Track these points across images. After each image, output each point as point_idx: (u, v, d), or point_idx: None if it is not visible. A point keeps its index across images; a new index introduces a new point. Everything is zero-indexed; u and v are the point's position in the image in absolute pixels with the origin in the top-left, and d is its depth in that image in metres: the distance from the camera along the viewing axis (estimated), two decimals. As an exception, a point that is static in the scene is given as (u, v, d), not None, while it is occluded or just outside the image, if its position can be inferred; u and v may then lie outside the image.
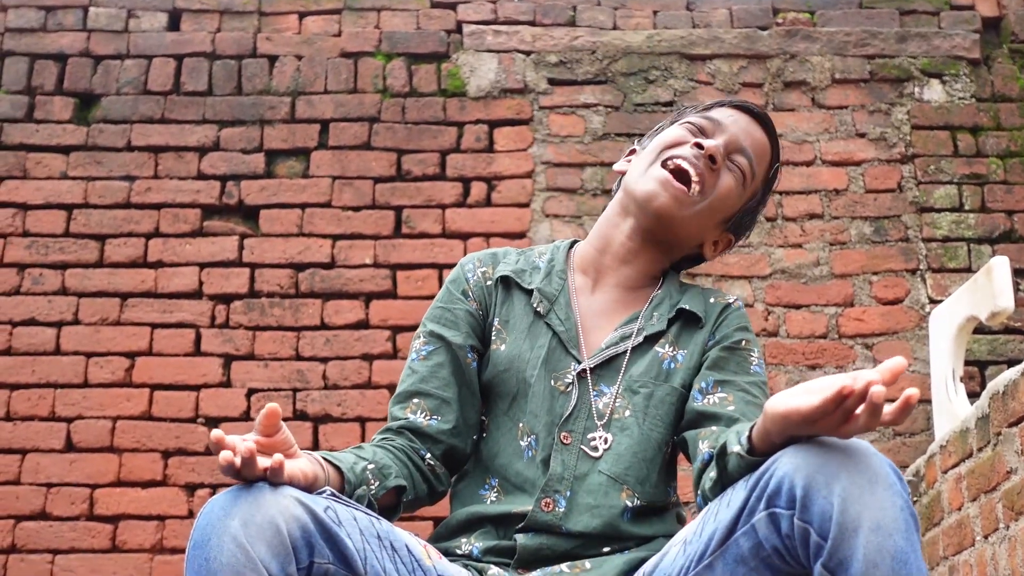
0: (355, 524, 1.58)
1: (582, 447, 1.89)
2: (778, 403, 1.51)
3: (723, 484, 1.65)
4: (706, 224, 2.05)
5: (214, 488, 4.07)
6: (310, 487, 1.58)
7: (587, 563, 1.80)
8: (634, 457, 1.88)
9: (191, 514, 4.02)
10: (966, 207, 4.46)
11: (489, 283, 2.05)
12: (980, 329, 3.96)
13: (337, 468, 1.69)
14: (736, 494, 1.55)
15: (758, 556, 1.51)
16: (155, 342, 4.27)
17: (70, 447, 4.14)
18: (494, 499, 1.91)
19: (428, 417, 1.93)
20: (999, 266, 3.51)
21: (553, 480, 1.86)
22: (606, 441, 1.89)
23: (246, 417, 4.17)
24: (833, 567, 1.39)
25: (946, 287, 4.29)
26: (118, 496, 4.08)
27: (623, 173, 2.11)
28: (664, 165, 2.00)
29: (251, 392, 4.21)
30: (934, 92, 4.62)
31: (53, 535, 4.02)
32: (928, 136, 4.56)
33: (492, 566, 1.81)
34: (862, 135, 4.56)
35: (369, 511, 1.65)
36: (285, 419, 4.10)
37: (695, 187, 1.98)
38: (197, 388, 4.21)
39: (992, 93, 4.64)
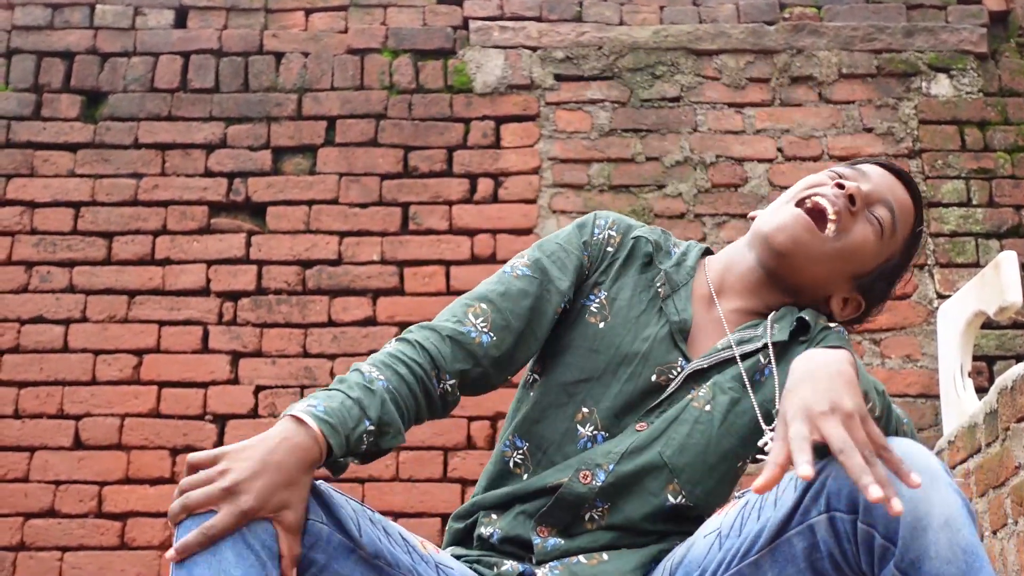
0: (348, 504, 1.61)
1: (655, 428, 1.81)
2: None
3: None
4: (835, 273, 1.93)
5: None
6: None
7: (604, 555, 1.77)
8: (698, 456, 1.80)
9: (199, 511, 4.03)
10: (974, 202, 4.45)
11: (610, 249, 1.94)
12: (988, 324, 3.96)
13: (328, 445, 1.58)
14: (786, 494, 1.53)
15: (809, 559, 1.50)
16: (163, 339, 4.27)
17: (78, 445, 4.15)
18: (519, 462, 1.85)
19: (487, 330, 1.79)
20: (1007, 261, 3.51)
21: (597, 454, 1.79)
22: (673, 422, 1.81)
23: (254, 414, 4.17)
24: (905, 567, 1.39)
25: (954, 282, 4.28)
26: (127, 493, 4.08)
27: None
28: (800, 203, 1.92)
29: (259, 389, 4.21)
30: (941, 87, 4.62)
31: (62, 532, 4.03)
32: (935, 131, 4.55)
33: (507, 561, 1.78)
34: (869, 130, 4.55)
35: (362, 504, 1.67)
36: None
37: (831, 225, 1.89)
38: (205, 385, 4.22)
39: (1000, 87, 4.63)
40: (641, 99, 4.58)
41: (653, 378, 1.83)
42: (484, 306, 1.81)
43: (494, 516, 1.83)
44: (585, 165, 4.49)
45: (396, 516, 3.99)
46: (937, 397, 4.03)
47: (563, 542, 1.78)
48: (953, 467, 3.37)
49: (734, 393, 1.83)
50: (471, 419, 4.10)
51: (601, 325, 1.88)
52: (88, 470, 4.11)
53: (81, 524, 4.05)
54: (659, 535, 1.81)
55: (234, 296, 4.33)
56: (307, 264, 4.37)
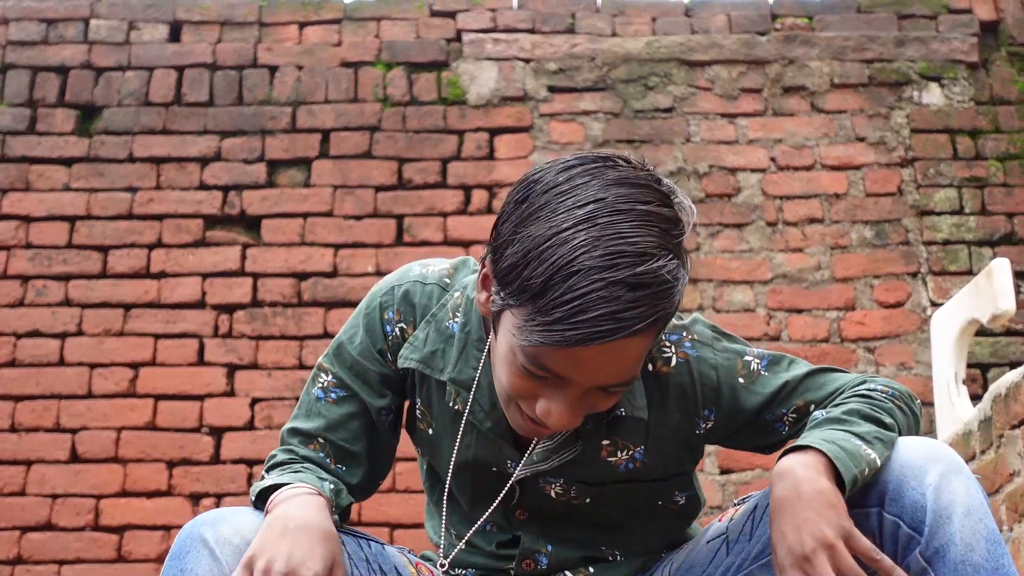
0: (343, 549, 1.57)
1: (542, 518, 1.73)
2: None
3: None
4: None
5: (219, 498, 4.08)
6: None
7: (591, 567, 1.75)
8: (605, 529, 1.75)
9: (196, 524, 4.03)
10: (966, 210, 4.47)
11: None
12: (982, 331, 3.97)
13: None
14: None
15: None
16: (159, 352, 4.27)
17: (75, 458, 4.14)
18: (453, 543, 1.80)
19: (334, 464, 1.72)
20: (1000, 268, 3.52)
21: (528, 543, 1.73)
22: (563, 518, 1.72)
23: (250, 427, 4.17)
24: (930, 555, 1.43)
25: (947, 290, 4.30)
26: (123, 506, 4.08)
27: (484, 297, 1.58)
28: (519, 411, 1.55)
29: (255, 401, 4.21)
30: (933, 96, 4.63)
31: (59, 546, 4.03)
32: (927, 139, 4.56)
33: None
34: (861, 139, 4.57)
35: (355, 535, 1.64)
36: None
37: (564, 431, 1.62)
38: (201, 398, 4.22)
39: (991, 96, 4.64)
40: (634, 110, 4.59)
41: (495, 469, 1.70)
42: (321, 442, 1.72)
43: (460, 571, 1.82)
44: (579, 176, 4.49)
45: (393, 527, 3.99)
46: (931, 405, 4.04)
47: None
48: (948, 474, 3.37)
49: (606, 486, 1.71)
50: (467, 430, 4.10)
51: (430, 432, 1.75)
52: (85, 483, 4.11)
53: (78, 537, 4.05)
54: (639, 551, 1.79)
55: (230, 309, 4.34)
56: (302, 276, 4.37)
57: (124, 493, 4.10)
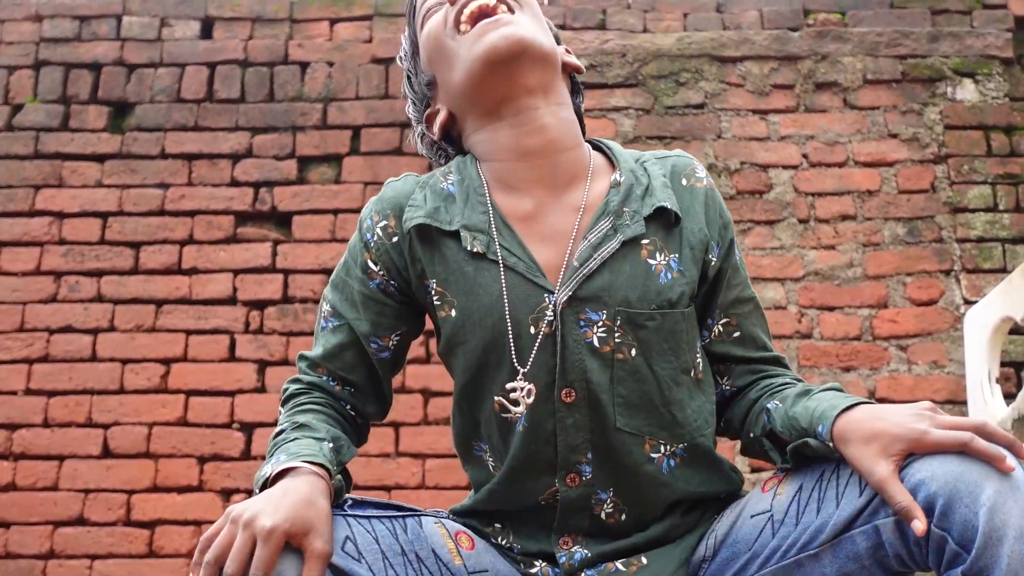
0: (376, 547, 1.57)
1: (589, 395, 1.66)
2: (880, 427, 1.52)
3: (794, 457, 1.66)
4: (544, 32, 1.80)
5: (250, 493, 4.08)
6: None
7: (643, 558, 1.71)
8: (651, 405, 1.69)
9: (227, 519, 4.04)
10: (1000, 207, 4.43)
11: (397, 239, 1.77)
12: (1016, 330, 3.94)
13: (327, 470, 1.62)
14: (850, 493, 1.54)
15: (874, 556, 1.52)
16: (190, 348, 4.29)
17: (107, 453, 4.17)
18: (493, 466, 1.76)
19: (340, 387, 1.83)
20: (1034, 266, 3.49)
21: (567, 452, 1.68)
22: (611, 382, 1.67)
23: (281, 422, 4.18)
24: (973, 574, 1.39)
25: (981, 288, 4.26)
26: (155, 502, 4.11)
27: (446, 121, 1.87)
28: (461, 32, 1.77)
29: (285, 397, 4.22)
30: (967, 92, 4.60)
31: (91, 541, 4.06)
32: (961, 136, 4.53)
33: (537, 562, 1.74)
34: (894, 136, 4.54)
35: (391, 517, 1.64)
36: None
37: (502, 8, 1.76)
38: (232, 394, 4.24)
39: (1026, 92, 4.61)
40: (665, 106, 4.58)
41: (532, 331, 1.67)
42: (324, 367, 1.85)
43: (498, 526, 1.79)
44: (609, 172, 4.48)
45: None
46: (964, 403, 4.01)
47: (590, 554, 1.72)
48: (981, 473, 3.34)
49: (652, 321, 1.69)
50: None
51: (454, 313, 1.72)
52: (116, 478, 4.13)
53: (110, 532, 4.07)
54: (695, 512, 1.77)
55: (260, 305, 4.35)
56: (333, 273, 4.37)
57: (155, 488, 4.12)
